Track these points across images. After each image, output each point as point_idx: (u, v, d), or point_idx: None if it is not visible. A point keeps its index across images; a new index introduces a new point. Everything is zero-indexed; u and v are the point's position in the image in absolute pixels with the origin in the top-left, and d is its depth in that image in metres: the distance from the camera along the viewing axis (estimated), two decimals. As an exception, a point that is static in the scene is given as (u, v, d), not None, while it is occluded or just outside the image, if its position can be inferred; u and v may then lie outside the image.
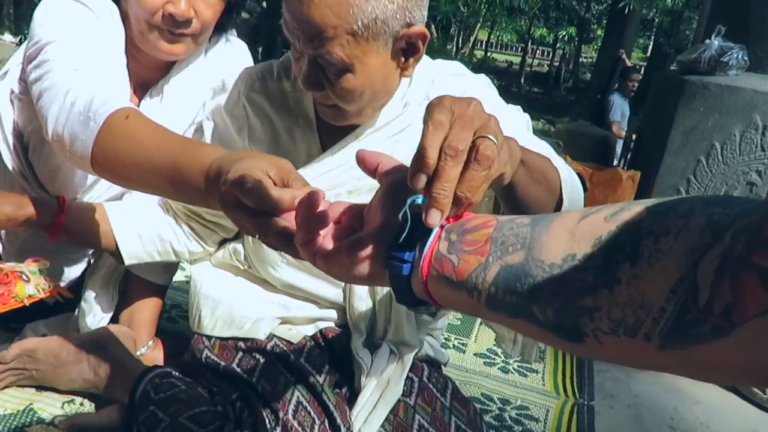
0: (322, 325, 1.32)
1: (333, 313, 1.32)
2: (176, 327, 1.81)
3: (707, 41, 2.44)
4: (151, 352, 1.52)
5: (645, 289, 0.45)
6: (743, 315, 0.40)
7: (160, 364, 1.45)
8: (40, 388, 1.36)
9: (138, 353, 1.48)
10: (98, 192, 1.41)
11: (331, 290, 1.28)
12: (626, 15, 9.47)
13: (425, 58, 1.22)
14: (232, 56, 1.45)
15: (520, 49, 25.80)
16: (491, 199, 2.71)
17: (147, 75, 1.38)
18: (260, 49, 8.96)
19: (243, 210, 0.75)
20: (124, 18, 1.30)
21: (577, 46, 23.09)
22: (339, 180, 1.18)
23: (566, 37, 18.57)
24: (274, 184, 0.75)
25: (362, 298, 1.27)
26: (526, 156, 0.84)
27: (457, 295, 0.57)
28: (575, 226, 0.51)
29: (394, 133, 1.19)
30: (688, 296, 0.43)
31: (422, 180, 0.58)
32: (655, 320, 0.44)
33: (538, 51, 27.59)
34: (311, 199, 0.67)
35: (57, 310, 1.52)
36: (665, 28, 18.30)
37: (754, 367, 0.41)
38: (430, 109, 0.61)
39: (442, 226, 0.60)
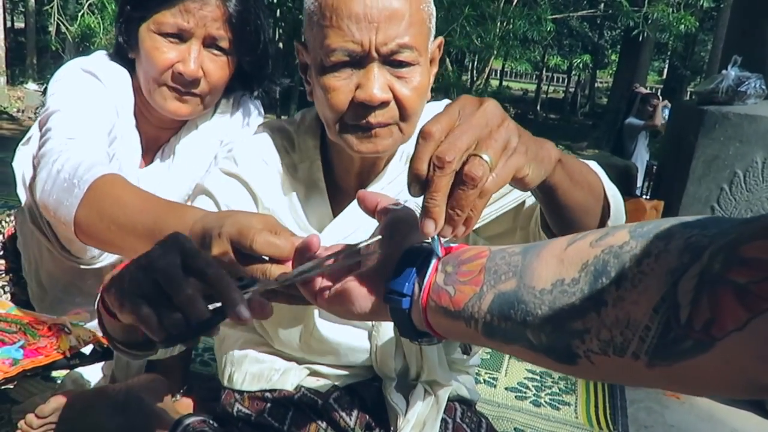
0: (349, 380, 1.29)
1: (361, 372, 1.29)
2: (209, 370, 1.83)
3: (724, 71, 2.45)
4: (184, 399, 1.54)
5: (630, 310, 0.47)
6: (722, 329, 0.42)
7: (192, 410, 1.47)
8: (78, 439, 1.39)
9: (172, 400, 1.50)
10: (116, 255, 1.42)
11: (358, 355, 1.26)
12: (640, 40, 9.52)
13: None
14: (244, 121, 1.44)
15: (535, 76, 25.91)
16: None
17: (158, 135, 1.39)
18: (277, 88, 9.09)
19: (239, 263, 0.75)
20: (136, 83, 1.33)
21: (592, 72, 23.15)
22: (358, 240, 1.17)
23: (581, 64, 18.63)
24: None
25: (390, 356, 1.24)
26: (564, 157, 0.80)
27: (455, 325, 0.59)
28: (563, 252, 0.53)
29: (401, 189, 1.15)
30: (670, 314, 0.45)
31: (415, 188, 0.59)
32: (642, 339, 0.46)
33: (553, 78, 27.67)
34: (309, 243, 0.69)
35: (94, 358, 1.55)
36: (680, 52, 18.31)
37: (737, 378, 0.43)
38: (434, 116, 0.62)
39: (439, 258, 0.61)
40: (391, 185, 1.16)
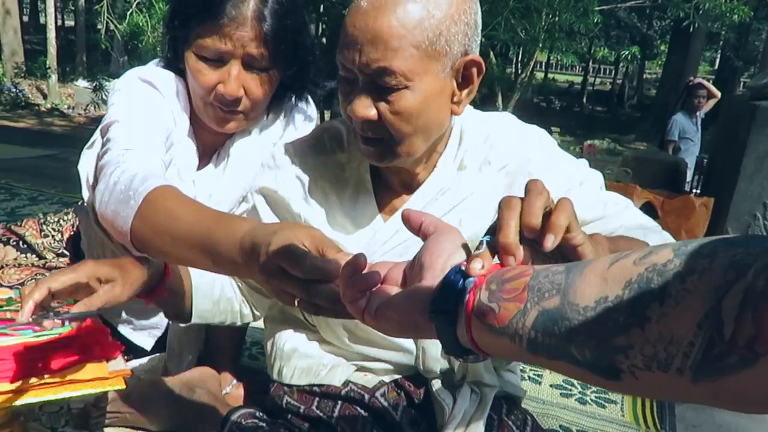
0: (396, 375, 1.32)
1: (408, 368, 1.31)
2: (258, 364, 1.88)
3: (778, 65, 2.39)
4: (235, 391, 1.58)
5: (674, 326, 0.47)
6: (766, 345, 0.43)
7: (242, 402, 1.51)
8: (134, 428, 1.44)
9: (223, 393, 1.54)
10: None
11: (402, 357, 1.28)
12: (690, 31, 9.28)
13: (473, 113, 1.24)
14: (295, 124, 1.48)
15: (581, 68, 25.48)
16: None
17: (214, 140, 1.45)
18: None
19: (287, 278, 0.77)
20: (190, 91, 1.38)
21: (641, 64, 22.65)
22: (405, 244, 1.17)
23: (629, 56, 18.26)
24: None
25: (435, 359, 1.26)
26: (614, 246, 0.82)
27: (500, 342, 0.60)
28: (606, 271, 0.54)
29: (458, 201, 1.18)
30: (714, 330, 0.45)
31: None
32: (686, 354, 0.47)
33: (600, 70, 27.17)
34: (357, 261, 0.70)
35: (148, 351, 1.61)
36: (732, 42, 17.78)
37: None
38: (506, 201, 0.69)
39: (482, 276, 0.63)
40: (440, 185, 1.18)
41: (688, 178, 2.92)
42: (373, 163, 1.13)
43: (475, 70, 1.07)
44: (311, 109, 1.53)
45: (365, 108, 1.02)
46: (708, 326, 0.46)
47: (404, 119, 1.03)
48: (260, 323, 1.98)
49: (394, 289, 0.70)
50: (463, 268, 0.63)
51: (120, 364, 1.15)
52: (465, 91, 1.08)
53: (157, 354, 1.61)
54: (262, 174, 1.26)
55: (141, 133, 1.23)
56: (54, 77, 11.88)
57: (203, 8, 1.24)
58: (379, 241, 1.18)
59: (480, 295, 0.61)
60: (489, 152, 1.20)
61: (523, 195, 0.70)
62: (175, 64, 1.37)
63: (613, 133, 14.79)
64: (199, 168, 1.46)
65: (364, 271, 0.71)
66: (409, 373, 1.31)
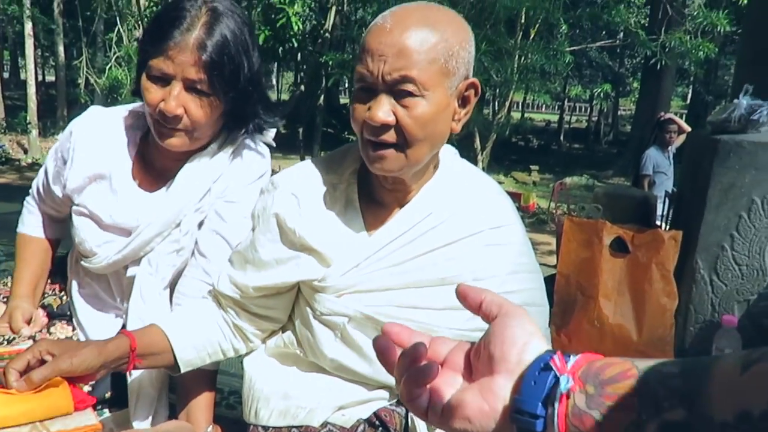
0: (375, 406, 1.34)
1: (385, 393, 1.35)
2: (235, 414, 1.86)
3: (735, 101, 2.46)
4: (212, 436, 1.57)
5: None
6: None
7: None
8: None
9: (200, 441, 1.53)
10: (106, 254, 1.52)
11: (381, 371, 1.31)
12: (661, 68, 9.52)
13: (464, 162, 1.39)
14: (238, 156, 1.55)
15: (557, 107, 25.95)
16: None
17: (171, 165, 1.53)
18: (301, 130, 9.27)
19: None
20: None
21: (614, 101, 23.11)
22: (388, 258, 1.26)
23: (602, 94, 18.65)
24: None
25: None
26: None
27: None
28: (740, 377, 0.47)
29: (438, 222, 1.28)
30: None
31: None
32: None
33: (575, 108, 27.68)
34: (417, 351, 0.63)
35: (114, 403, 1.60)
36: (701, 77, 18.23)
37: None
38: None
39: (574, 373, 0.56)
40: (424, 205, 1.29)
41: (660, 211, 2.96)
42: (380, 172, 1.23)
43: (472, 92, 1.24)
44: (262, 146, 1.60)
45: (385, 114, 1.15)
46: None
47: (419, 124, 1.16)
48: (238, 368, 1.98)
49: (455, 379, 0.63)
50: (552, 364, 0.56)
51: (90, 418, 1.15)
52: (463, 111, 1.24)
53: (125, 409, 1.60)
54: (261, 198, 1.41)
55: (38, 183, 1.66)
56: (35, 132, 11.93)
57: (157, 35, 1.38)
58: (364, 255, 1.26)
59: (575, 399, 0.54)
60: (456, 205, 1.31)
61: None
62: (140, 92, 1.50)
63: (591, 169, 15.01)
64: (153, 190, 1.54)
65: (423, 361, 0.63)
66: (389, 403, 1.34)
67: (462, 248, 1.27)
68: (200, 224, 1.52)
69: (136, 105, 1.59)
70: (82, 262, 1.58)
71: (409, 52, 1.12)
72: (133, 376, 1.50)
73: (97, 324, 1.61)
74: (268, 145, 1.63)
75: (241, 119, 1.52)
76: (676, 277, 2.51)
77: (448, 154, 1.38)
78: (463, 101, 1.24)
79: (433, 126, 1.18)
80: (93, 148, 1.54)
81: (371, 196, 1.33)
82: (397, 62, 1.13)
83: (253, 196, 1.49)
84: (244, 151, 1.55)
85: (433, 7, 1.23)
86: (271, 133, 1.62)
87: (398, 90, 1.15)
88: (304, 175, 1.36)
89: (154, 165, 1.56)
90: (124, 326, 1.56)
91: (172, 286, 1.55)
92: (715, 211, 2.47)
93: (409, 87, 1.14)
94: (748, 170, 2.41)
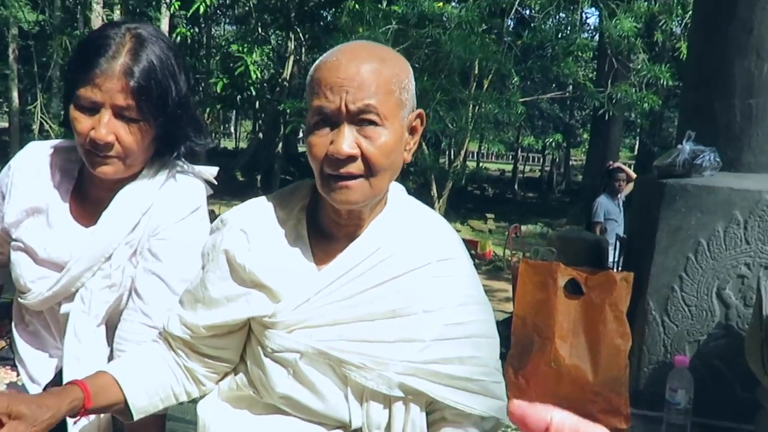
0: None
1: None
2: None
3: (679, 146, 2.58)
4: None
5: None
6: None
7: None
8: None
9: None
10: (39, 290, 1.48)
11: (337, 408, 1.30)
12: (609, 119, 9.88)
13: (413, 200, 1.42)
14: (166, 182, 1.53)
15: (511, 157, 26.55)
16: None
17: (103, 195, 1.51)
18: (259, 177, 9.26)
19: None
20: None
21: (566, 151, 23.78)
22: (338, 292, 1.26)
23: (554, 143, 19.18)
24: None
25: (378, 412, 1.27)
26: None
27: None
28: None
29: (386, 256, 1.28)
30: None
31: None
32: None
33: (528, 158, 28.36)
34: None
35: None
36: (647, 129, 18.93)
37: None
38: None
39: None
40: (373, 239, 1.30)
41: (611, 257, 3.05)
42: (344, 205, 1.24)
43: (419, 122, 1.28)
44: (195, 179, 1.57)
45: (350, 145, 1.17)
46: None
47: (383, 154, 1.18)
48: (193, 413, 1.93)
49: None
50: None
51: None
52: (413, 141, 1.28)
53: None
54: (211, 235, 1.39)
55: None
56: (-14, 179, 11.61)
57: (83, 64, 1.38)
58: (315, 290, 1.26)
59: None
60: (404, 246, 1.31)
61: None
62: (68, 125, 1.49)
63: (545, 217, 15.30)
64: (89, 225, 1.50)
65: None
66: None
67: (411, 281, 1.28)
68: (132, 258, 1.48)
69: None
70: (20, 299, 1.54)
71: (369, 82, 1.16)
72: (78, 425, 1.46)
73: (36, 363, 1.55)
74: (210, 183, 1.61)
75: (172, 143, 1.52)
76: (629, 318, 2.57)
77: (396, 190, 1.40)
78: (412, 131, 1.27)
79: (393, 155, 1.21)
80: (30, 182, 1.52)
81: (321, 231, 1.34)
82: (360, 92, 1.15)
83: (187, 231, 1.47)
84: (175, 184, 1.53)
85: (374, 44, 1.29)
86: (213, 171, 1.61)
87: (361, 120, 1.17)
88: (254, 212, 1.36)
89: (89, 197, 1.54)
90: (60, 368, 1.51)
91: (108, 323, 1.51)
92: (664, 253, 2.55)
93: (372, 116, 1.16)
94: (693, 213, 2.50)
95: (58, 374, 1.50)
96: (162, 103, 1.42)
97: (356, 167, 1.19)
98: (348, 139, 1.17)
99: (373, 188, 1.22)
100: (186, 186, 1.55)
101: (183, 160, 1.58)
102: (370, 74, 1.16)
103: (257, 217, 1.35)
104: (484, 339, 1.34)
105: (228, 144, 32.42)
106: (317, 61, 1.23)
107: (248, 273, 1.28)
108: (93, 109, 1.38)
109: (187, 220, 1.49)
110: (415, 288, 1.28)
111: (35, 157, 1.55)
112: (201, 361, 1.37)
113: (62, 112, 1.54)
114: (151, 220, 1.48)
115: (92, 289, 1.46)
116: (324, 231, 1.33)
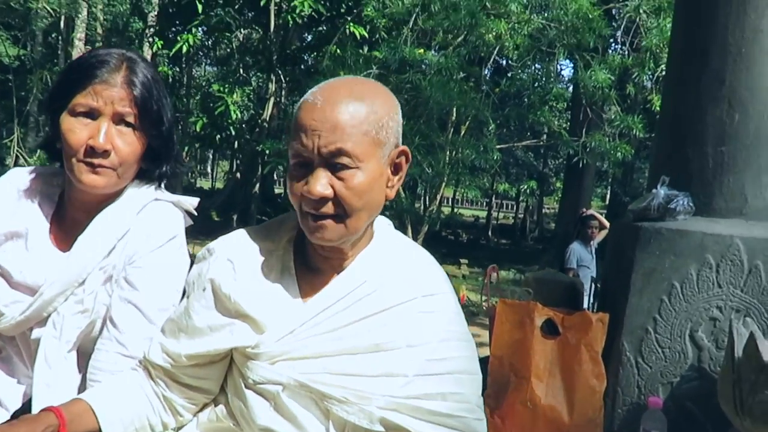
0: None
1: None
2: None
3: (654, 190, 2.64)
4: None
5: None
6: None
7: None
8: None
9: None
10: (12, 314, 1.45)
11: None
12: (582, 168, 10.11)
13: (399, 234, 1.44)
14: (152, 217, 1.51)
15: (485, 203, 26.81)
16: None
17: (81, 217, 1.49)
18: (235, 217, 9.24)
19: None
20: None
21: (539, 199, 24.12)
22: (323, 324, 1.26)
23: (528, 190, 19.45)
24: None
25: None
26: None
27: None
28: None
29: (372, 290, 1.30)
30: None
31: None
32: None
33: (502, 205, 28.67)
34: None
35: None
36: (619, 178, 19.32)
37: None
38: None
39: None
40: (359, 273, 1.31)
41: (586, 303, 3.09)
42: (321, 242, 1.26)
43: (403, 159, 1.29)
44: (173, 208, 1.56)
45: (322, 187, 1.19)
46: None
47: (356, 195, 1.20)
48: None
49: None
50: None
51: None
52: (396, 177, 1.29)
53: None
54: (197, 264, 1.40)
55: None
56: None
57: (80, 75, 1.40)
58: (299, 321, 1.26)
59: None
60: (399, 272, 1.34)
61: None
62: (52, 147, 1.49)
63: (518, 264, 15.38)
64: (66, 250, 1.48)
65: None
66: None
67: (396, 315, 1.28)
68: (106, 284, 1.46)
69: (56, 167, 1.58)
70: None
71: (342, 126, 1.17)
72: None
73: (5, 389, 1.52)
74: (190, 214, 1.60)
75: (158, 161, 1.53)
76: (604, 359, 2.59)
77: (383, 224, 1.42)
78: (395, 168, 1.28)
79: (369, 195, 1.22)
80: (11, 206, 1.52)
81: (307, 264, 1.34)
82: (331, 136, 1.17)
83: (163, 259, 1.46)
84: (153, 211, 1.52)
85: (359, 80, 1.30)
86: (193, 201, 1.60)
87: (334, 163, 1.18)
88: (241, 242, 1.36)
89: (69, 221, 1.52)
90: (29, 396, 1.49)
91: (80, 351, 1.49)
92: (639, 295, 2.60)
93: (344, 160, 1.18)
94: (667, 256, 2.56)
95: (27, 402, 1.47)
96: (158, 117, 1.46)
97: (330, 208, 1.21)
98: (321, 181, 1.19)
99: (348, 228, 1.24)
100: (164, 213, 1.53)
101: (163, 189, 1.58)
102: (344, 116, 1.18)
103: (244, 247, 1.35)
104: (467, 375, 1.34)
105: (204, 184, 32.29)
106: (301, 99, 1.26)
107: (233, 303, 1.28)
108: (90, 115, 1.39)
109: (164, 248, 1.47)
110: (400, 322, 1.28)
111: (16, 182, 1.55)
112: (181, 391, 1.35)
113: (40, 140, 1.54)
114: (127, 246, 1.47)
115: (64, 314, 1.44)
116: (310, 263, 1.34)
